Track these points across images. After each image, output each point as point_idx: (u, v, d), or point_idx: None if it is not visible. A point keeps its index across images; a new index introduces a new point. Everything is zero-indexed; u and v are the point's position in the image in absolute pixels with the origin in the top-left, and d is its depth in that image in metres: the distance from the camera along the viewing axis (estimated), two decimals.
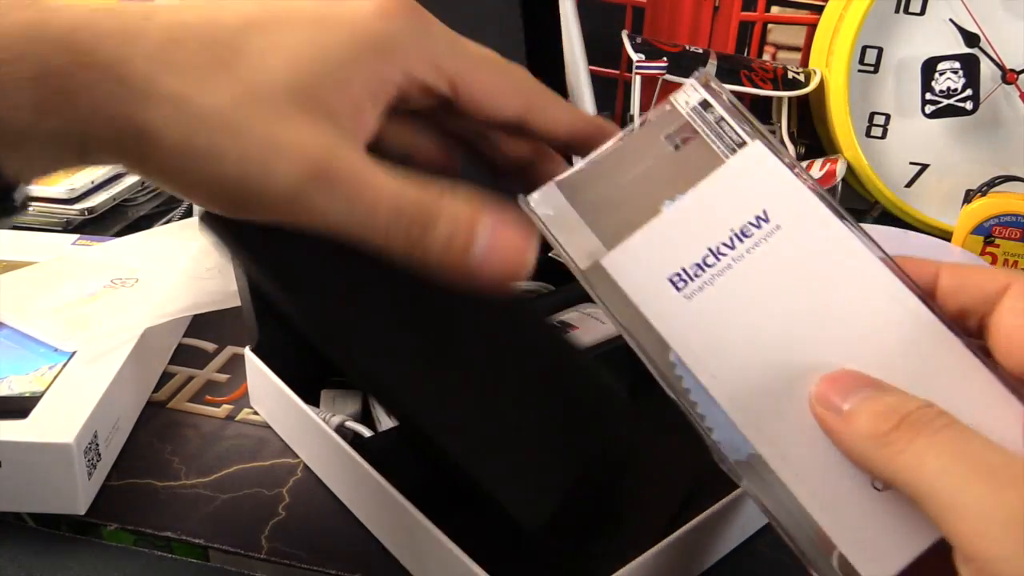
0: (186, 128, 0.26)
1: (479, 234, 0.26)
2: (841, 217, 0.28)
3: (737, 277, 0.28)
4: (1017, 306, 0.26)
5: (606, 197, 0.29)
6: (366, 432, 0.43)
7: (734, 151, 0.29)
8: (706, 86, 0.29)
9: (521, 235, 0.27)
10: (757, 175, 0.28)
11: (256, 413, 0.48)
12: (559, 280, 0.57)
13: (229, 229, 0.34)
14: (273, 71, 0.26)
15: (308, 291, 0.35)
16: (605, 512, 0.40)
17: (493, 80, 0.29)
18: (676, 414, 0.27)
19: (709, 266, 0.28)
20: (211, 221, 0.34)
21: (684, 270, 0.28)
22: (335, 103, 0.27)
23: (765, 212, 0.28)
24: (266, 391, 0.46)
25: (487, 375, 0.37)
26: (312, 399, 0.45)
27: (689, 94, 0.29)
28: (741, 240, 0.28)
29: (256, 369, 0.46)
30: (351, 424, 0.43)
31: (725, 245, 0.28)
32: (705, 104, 0.29)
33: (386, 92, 0.28)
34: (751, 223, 0.28)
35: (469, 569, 0.34)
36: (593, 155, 0.29)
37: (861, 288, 0.27)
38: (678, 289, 0.28)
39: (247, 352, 0.46)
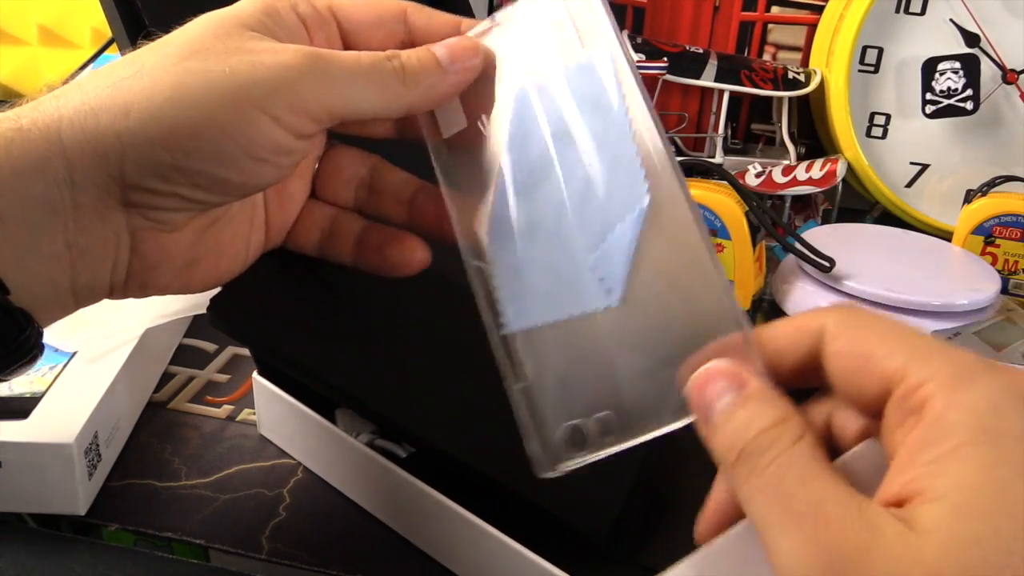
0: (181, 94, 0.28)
1: (435, 47, 0.32)
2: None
3: None
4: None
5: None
6: (400, 452, 0.42)
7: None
8: None
9: (465, 38, 0.33)
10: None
11: (255, 412, 0.48)
12: None
13: (234, 321, 0.38)
14: (204, 33, 0.30)
15: (322, 367, 0.38)
16: (661, 503, 0.40)
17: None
18: None
19: None
20: (216, 318, 0.38)
21: None
22: (269, 30, 0.31)
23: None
24: (280, 414, 0.45)
25: None
26: (326, 419, 0.43)
27: None
28: None
29: (267, 392, 0.45)
30: (380, 442, 0.43)
31: None
32: None
33: (299, 32, 0.32)
34: None
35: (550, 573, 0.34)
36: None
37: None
38: None
39: (255, 376, 0.45)
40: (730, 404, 0.24)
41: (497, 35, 0.33)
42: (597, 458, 0.27)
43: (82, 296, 0.30)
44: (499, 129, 0.32)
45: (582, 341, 0.29)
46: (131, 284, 0.32)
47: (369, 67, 0.31)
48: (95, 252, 0.30)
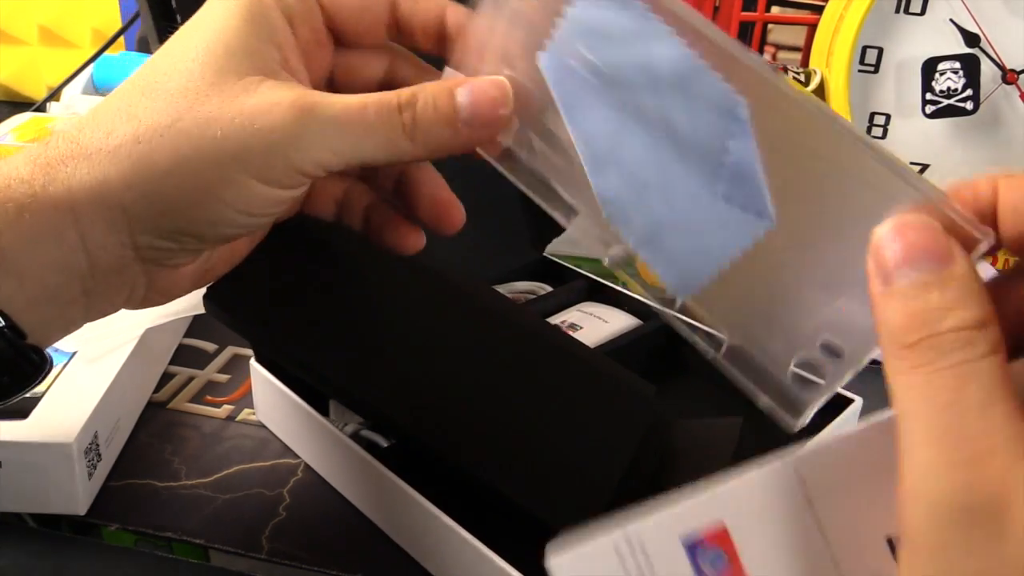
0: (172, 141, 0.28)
1: (459, 92, 0.29)
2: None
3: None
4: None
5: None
6: (382, 442, 0.42)
7: None
8: None
9: (493, 83, 0.29)
10: None
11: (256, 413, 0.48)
12: (556, 280, 0.57)
13: (229, 308, 0.38)
14: (195, 72, 0.29)
15: (310, 353, 0.38)
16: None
17: None
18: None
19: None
20: (212, 306, 0.38)
21: None
22: (257, 65, 0.29)
23: None
24: (274, 401, 0.46)
25: (512, 398, 0.37)
26: (320, 408, 0.43)
27: None
28: None
29: (262, 379, 0.46)
30: (366, 433, 0.43)
31: None
32: None
33: (283, 31, 0.31)
34: None
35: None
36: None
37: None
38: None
39: (252, 363, 0.46)
40: (927, 277, 0.21)
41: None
42: (840, 384, 0.24)
43: (94, 319, 0.32)
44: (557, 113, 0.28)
45: (760, 276, 0.25)
46: (146, 304, 0.33)
47: (374, 119, 0.29)
48: (111, 292, 0.31)
